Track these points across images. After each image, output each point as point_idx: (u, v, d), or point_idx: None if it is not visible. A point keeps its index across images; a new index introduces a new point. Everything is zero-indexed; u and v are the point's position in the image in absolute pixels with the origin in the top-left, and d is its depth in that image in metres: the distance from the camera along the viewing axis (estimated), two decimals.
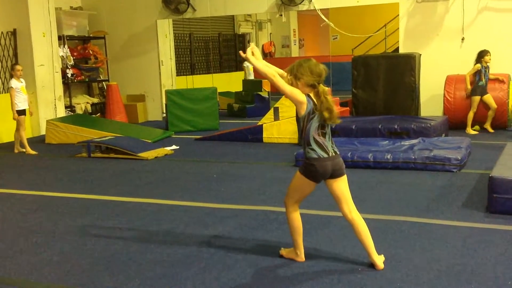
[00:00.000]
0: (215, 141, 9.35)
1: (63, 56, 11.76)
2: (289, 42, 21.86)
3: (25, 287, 3.75)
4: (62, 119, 10.30)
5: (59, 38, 11.59)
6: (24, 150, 8.97)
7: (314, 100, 3.69)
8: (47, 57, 11.05)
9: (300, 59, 3.84)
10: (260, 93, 12.94)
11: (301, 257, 3.97)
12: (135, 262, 4.10)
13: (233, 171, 7.07)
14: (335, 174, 3.80)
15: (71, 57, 12.07)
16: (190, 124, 10.76)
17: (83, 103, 12.61)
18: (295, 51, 22.12)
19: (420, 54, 9.95)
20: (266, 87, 13.06)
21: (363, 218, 4.89)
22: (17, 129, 9.00)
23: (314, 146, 3.73)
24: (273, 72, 3.72)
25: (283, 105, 9.27)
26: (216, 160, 7.80)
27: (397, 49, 11.86)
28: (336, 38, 18.75)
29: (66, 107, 11.79)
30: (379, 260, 3.81)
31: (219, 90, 12.28)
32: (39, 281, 3.82)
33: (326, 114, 3.67)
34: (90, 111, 12.67)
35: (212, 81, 13.95)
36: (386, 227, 4.64)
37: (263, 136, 9.11)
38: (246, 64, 15.09)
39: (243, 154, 8.21)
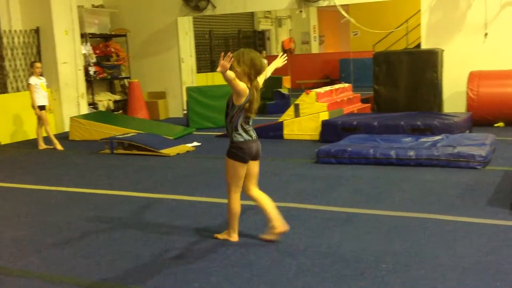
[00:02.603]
0: None
1: (85, 54, 11.89)
2: (309, 39, 21.78)
3: (52, 281, 3.81)
4: (85, 116, 10.41)
5: (82, 36, 11.71)
6: (51, 146, 9.08)
7: (251, 92, 4.03)
8: (70, 55, 11.18)
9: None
10: (280, 90, 12.92)
11: (234, 237, 4.34)
12: (159, 256, 4.13)
13: None
14: (256, 156, 4.26)
15: (93, 55, 12.20)
16: (211, 121, 10.79)
17: (105, 100, 12.74)
18: (315, 48, 22.05)
19: (443, 50, 9.84)
20: (286, 83, 13.05)
21: (386, 215, 4.90)
22: (39, 125, 9.12)
23: (241, 131, 4.13)
24: (233, 74, 3.90)
25: (304, 101, 9.25)
26: None
27: (419, 45, 11.74)
28: (357, 34, 18.63)
29: (89, 104, 11.92)
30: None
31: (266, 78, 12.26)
32: (66, 275, 3.88)
33: (246, 105, 4.05)
34: (112, 108, 12.79)
35: None
36: (409, 225, 4.61)
37: (284, 132, 9.09)
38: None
39: (264, 150, 8.08)
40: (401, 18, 16.48)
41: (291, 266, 3.83)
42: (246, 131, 4.15)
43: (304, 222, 4.79)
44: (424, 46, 10.54)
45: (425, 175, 6.23)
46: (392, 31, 15.46)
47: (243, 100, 4.03)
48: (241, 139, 4.13)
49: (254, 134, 4.21)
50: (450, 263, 3.78)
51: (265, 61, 4.11)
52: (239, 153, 4.14)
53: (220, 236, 4.42)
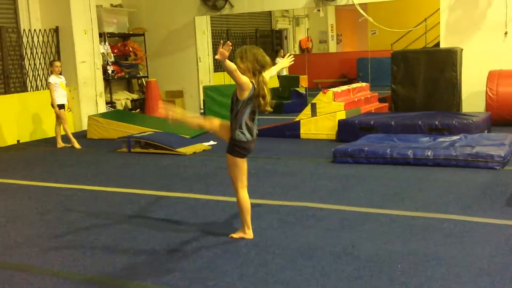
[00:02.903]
0: None
1: (103, 53, 11.98)
2: (327, 38, 21.69)
3: (68, 278, 3.84)
4: (103, 115, 10.49)
5: (100, 35, 11.80)
6: (69, 145, 9.18)
7: (255, 87, 4.07)
8: (88, 54, 11.27)
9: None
10: (297, 89, 12.89)
11: (249, 234, 4.36)
12: (174, 254, 4.15)
13: (270, 167, 7.07)
14: (249, 154, 4.30)
15: (112, 54, 12.29)
16: (228, 120, 10.78)
17: (123, 99, 12.83)
18: (332, 47, 21.95)
19: (462, 49, 9.73)
20: (303, 83, 13.01)
21: (402, 215, 4.86)
22: (58, 124, 9.22)
23: (244, 129, 4.16)
24: (234, 66, 3.94)
25: (321, 101, 9.23)
26: (253, 156, 7.73)
27: (437, 44, 11.63)
28: (375, 33, 18.51)
29: (106, 103, 12.02)
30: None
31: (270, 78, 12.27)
32: (83, 273, 3.91)
33: (261, 101, 4.08)
34: (130, 107, 12.87)
35: None
36: (427, 225, 4.57)
37: (301, 132, 9.07)
38: (278, 60, 15.07)
39: (280, 150, 8.21)
40: (419, 17, 16.33)
41: (306, 266, 3.82)
42: (249, 130, 4.19)
43: (320, 221, 4.78)
44: (443, 45, 10.44)
45: (442, 175, 6.17)
46: (411, 30, 15.33)
47: (246, 94, 4.06)
48: (244, 139, 4.18)
49: (256, 132, 4.27)
50: (467, 264, 3.74)
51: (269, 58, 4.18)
52: (241, 151, 4.21)
53: (236, 235, 4.43)
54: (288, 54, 4.86)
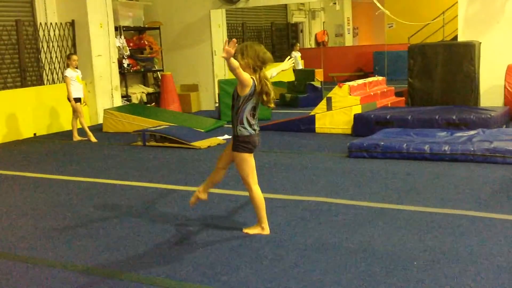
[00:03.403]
0: (267, 131, 9.31)
1: (119, 47, 12.01)
2: (343, 31, 21.54)
3: (82, 271, 3.85)
4: (119, 108, 10.52)
5: (116, 28, 11.83)
6: (85, 138, 9.23)
7: (256, 84, 4.08)
8: (104, 47, 11.30)
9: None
10: (312, 82, 12.82)
11: (267, 229, 4.35)
12: (188, 249, 4.14)
13: (285, 161, 7.04)
14: (256, 150, 4.29)
15: (127, 48, 12.31)
16: None
17: (138, 92, 12.86)
18: (349, 40, 21.80)
19: (480, 43, 9.59)
20: (319, 76, 12.93)
21: (418, 211, 4.80)
22: (74, 117, 9.28)
23: (246, 124, 4.16)
24: (237, 63, 3.93)
25: (336, 95, 9.15)
26: (268, 150, 7.79)
27: (455, 37, 11.49)
28: (392, 26, 18.34)
29: (122, 97, 12.05)
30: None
31: (271, 80, 12.23)
32: (97, 267, 3.92)
33: (264, 97, 4.11)
34: (145, 101, 12.90)
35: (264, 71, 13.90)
36: (444, 221, 4.50)
37: (316, 126, 9.01)
38: (293, 54, 15.00)
39: (295, 144, 8.16)
40: (437, 10, 16.15)
41: (320, 262, 3.79)
42: (250, 125, 4.19)
43: (334, 217, 4.74)
44: (460, 38, 10.29)
45: (460, 171, 6.09)
46: (428, 23, 15.17)
47: (247, 90, 4.09)
48: (246, 133, 4.18)
49: (257, 128, 4.27)
50: (484, 261, 3.68)
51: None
52: (247, 146, 4.21)
53: (251, 231, 4.39)
54: (289, 57, 4.83)
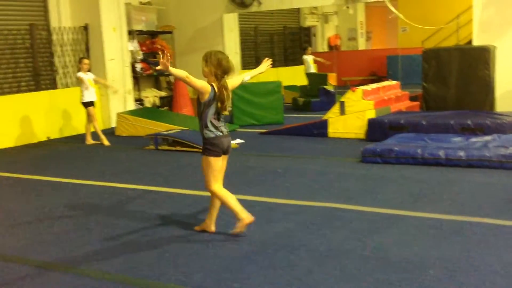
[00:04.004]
0: (280, 135, 9.29)
1: (132, 51, 12.04)
2: (356, 35, 21.47)
3: (93, 276, 3.83)
4: (131, 112, 10.55)
5: (129, 32, 11.87)
6: (98, 142, 9.25)
7: (216, 90, 4.28)
8: (118, 51, 11.34)
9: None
10: (325, 87, 12.75)
11: (248, 217, 4.40)
12: (199, 255, 4.11)
13: (297, 166, 6.99)
14: (227, 151, 4.46)
15: (140, 52, 12.34)
16: (255, 118, 10.76)
17: (151, 96, 12.88)
18: (362, 44, 21.72)
19: (495, 47, 9.48)
20: (332, 81, 12.86)
21: (433, 218, 4.73)
22: (88, 121, 9.31)
23: (211, 127, 4.34)
24: (185, 73, 4.17)
25: (350, 99, 9.08)
26: (280, 155, 7.75)
27: (470, 42, 11.37)
28: (405, 30, 18.23)
29: (135, 101, 12.08)
30: (213, 226, 4.54)
31: (284, 84, 12.19)
32: (108, 271, 3.90)
33: (218, 104, 4.31)
34: (158, 105, 12.92)
35: (277, 75, 13.88)
36: (459, 229, 4.43)
37: (328, 131, 8.96)
38: (305, 56, 14.96)
39: (308, 148, 8.11)
40: (451, 14, 16.01)
41: (333, 269, 3.74)
42: (216, 127, 4.36)
43: (348, 223, 4.68)
44: (475, 42, 10.19)
45: (475, 177, 6.00)
46: (442, 27, 15.05)
47: (206, 97, 4.27)
48: (212, 135, 4.35)
49: (225, 130, 4.43)
50: (500, 270, 3.61)
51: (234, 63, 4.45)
52: (213, 149, 4.35)
53: (238, 229, 4.44)
54: (266, 58, 4.91)
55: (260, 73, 4.87)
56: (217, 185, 4.46)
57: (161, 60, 4.07)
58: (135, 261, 4.06)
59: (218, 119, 4.39)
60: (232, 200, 4.45)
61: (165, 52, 4.15)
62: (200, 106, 4.35)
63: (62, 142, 9.83)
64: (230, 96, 4.41)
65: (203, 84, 4.27)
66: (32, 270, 3.99)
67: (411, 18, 11.90)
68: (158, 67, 4.10)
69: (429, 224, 4.57)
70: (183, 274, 3.78)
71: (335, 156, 7.54)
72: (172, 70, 4.13)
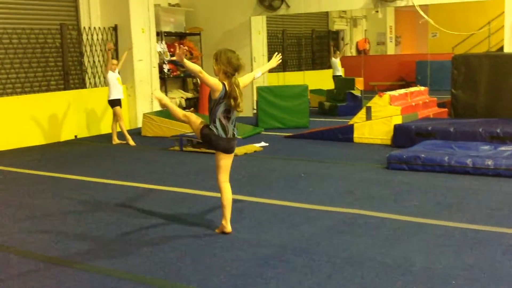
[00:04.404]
0: (304, 139, 9.24)
1: (160, 52, 12.13)
2: (385, 39, 21.26)
3: (112, 275, 3.85)
4: (158, 113, 10.61)
5: (157, 34, 11.96)
6: (123, 142, 9.33)
7: (227, 88, 4.35)
8: (146, 52, 11.44)
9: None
10: (352, 91, 12.66)
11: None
12: (220, 258, 4.10)
13: (321, 171, 6.94)
14: (227, 151, 4.53)
15: (168, 53, 12.42)
16: (280, 121, 10.72)
17: (178, 97, 12.96)
18: (391, 49, 21.50)
19: None
20: (359, 85, 12.75)
21: (459, 227, 4.64)
22: (114, 121, 9.40)
23: (218, 125, 4.43)
24: (199, 68, 4.31)
25: (376, 104, 8.99)
26: (304, 159, 7.70)
27: (501, 48, 11.15)
28: (436, 35, 17.98)
29: None
30: (228, 226, 4.57)
31: (310, 88, 12.14)
32: (129, 271, 3.91)
33: (232, 102, 4.37)
34: (184, 106, 12.98)
35: (303, 78, 13.83)
36: (484, 239, 4.33)
37: (354, 136, 8.87)
38: (333, 59, 14.87)
39: (333, 153, 8.05)
40: (483, 20, 15.73)
41: (354, 276, 3.69)
42: (223, 126, 4.45)
43: (371, 230, 4.62)
44: (507, 49, 9.98)
45: (503, 186, 5.87)
46: (473, 33, 14.80)
47: (217, 94, 4.36)
48: (215, 132, 4.45)
49: (231, 131, 4.49)
50: None
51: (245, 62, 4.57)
52: (207, 137, 4.48)
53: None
54: (276, 53, 5.02)
55: (270, 68, 4.97)
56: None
57: (177, 51, 4.21)
58: (155, 262, 4.07)
59: (229, 119, 4.45)
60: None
61: (181, 45, 4.27)
62: (211, 103, 4.44)
63: (89, 141, 9.95)
64: (242, 94, 4.46)
65: (215, 82, 4.36)
66: (51, 267, 4.03)
67: (441, 23, 11.72)
68: (173, 58, 4.25)
69: (453, 234, 4.47)
70: (203, 276, 3.77)
71: (360, 161, 7.46)
72: (187, 62, 4.24)
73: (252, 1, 12.34)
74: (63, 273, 3.92)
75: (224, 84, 4.37)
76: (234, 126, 4.53)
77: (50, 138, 9.77)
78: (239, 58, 4.41)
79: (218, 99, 4.38)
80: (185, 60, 4.22)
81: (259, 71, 4.86)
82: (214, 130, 4.44)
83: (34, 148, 9.27)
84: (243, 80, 4.60)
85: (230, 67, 4.36)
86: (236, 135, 4.56)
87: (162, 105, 4.64)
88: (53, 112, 9.86)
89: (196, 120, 4.58)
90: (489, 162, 6.33)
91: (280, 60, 4.99)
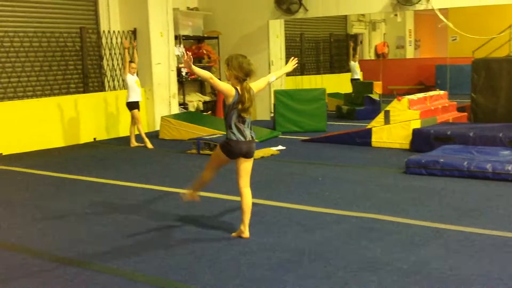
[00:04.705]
0: (322, 143, 9.21)
1: (178, 55, 12.19)
2: (404, 43, 21.14)
3: (128, 277, 3.87)
4: (175, 116, 10.66)
5: (175, 37, 12.02)
6: (141, 144, 9.39)
7: (240, 93, 4.40)
8: (164, 56, 11.50)
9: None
10: (370, 95, 12.59)
11: (197, 197, 5.03)
12: (236, 262, 4.09)
13: (338, 175, 6.90)
14: (247, 155, 4.54)
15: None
16: (297, 124, 10.70)
17: (195, 101, 13.00)
18: (410, 52, 21.37)
19: None
20: (377, 89, 12.68)
21: (478, 233, 4.58)
22: (132, 124, 9.47)
23: (235, 130, 4.47)
24: (209, 74, 4.41)
25: (395, 108, 8.93)
26: (321, 163, 7.67)
27: None
28: (455, 39, 17.83)
29: (179, 105, 12.22)
30: (246, 231, 4.56)
31: (328, 91, 12.10)
32: (145, 274, 3.92)
33: (240, 106, 4.40)
34: (202, 109, 13.02)
35: (321, 82, 13.80)
36: (504, 245, 4.27)
37: (372, 140, 8.81)
38: (352, 62, 14.82)
39: (350, 157, 8.00)
40: (504, 23, 15.56)
41: (370, 282, 3.65)
42: (240, 131, 4.47)
43: (388, 235, 4.57)
44: None
45: None
46: (494, 37, 14.63)
47: (230, 100, 4.41)
48: (233, 138, 4.47)
49: (249, 134, 4.52)
50: None
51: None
52: (227, 148, 4.52)
53: (187, 196, 5.01)
54: (292, 58, 5.02)
55: (286, 72, 4.98)
56: (207, 170, 4.75)
57: (185, 59, 4.21)
58: (171, 264, 4.08)
59: (243, 122, 4.48)
60: (205, 183, 4.84)
61: (188, 52, 4.27)
62: (225, 109, 4.48)
63: (107, 143, 10.03)
64: (254, 99, 4.50)
65: (227, 87, 4.42)
66: (67, 268, 4.06)
67: (461, 27, 11.61)
68: (181, 65, 4.25)
69: (472, 240, 4.41)
70: (219, 280, 3.77)
71: (378, 166, 7.41)
72: (196, 69, 4.27)
73: (270, 5, 12.34)
74: (79, 274, 3.94)
75: (237, 89, 4.42)
76: (251, 129, 4.56)
77: (69, 141, 9.87)
78: (251, 63, 4.46)
79: (232, 104, 4.42)
80: (194, 67, 4.24)
81: (274, 75, 4.86)
82: (232, 136, 4.47)
83: (54, 150, 9.37)
84: (257, 84, 4.63)
85: (242, 72, 4.40)
86: (254, 138, 4.59)
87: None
88: (72, 115, 9.96)
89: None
90: (509, 167, 6.24)
91: (296, 65, 5.00)
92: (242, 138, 4.47)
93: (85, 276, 3.91)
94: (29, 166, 7.96)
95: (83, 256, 4.32)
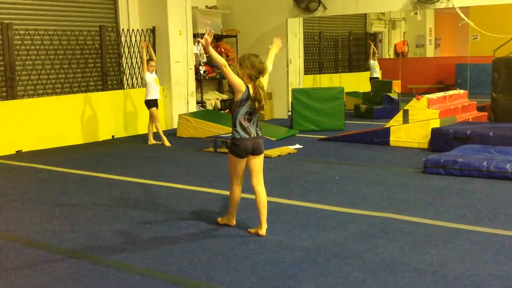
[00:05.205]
0: (339, 142, 9.17)
1: (196, 54, 12.22)
2: (424, 42, 20.91)
3: (145, 274, 3.88)
4: (193, 114, 10.69)
5: (194, 36, 12.05)
6: (159, 142, 9.44)
7: (250, 91, 4.44)
8: (182, 54, 11.55)
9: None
10: (389, 94, 12.49)
11: (233, 222, 4.84)
12: (252, 259, 4.09)
13: (356, 174, 6.86)
14: (255, 152, 4.57)
15: (204, 55, 12.50)
16: (315, 123, 10.66)
17: (213, 99, 13.03)
18: (430, 51, 21.13)
19: None
20: (396, 88, 12.58)
21: (496, 234, 4.51)
22: (150, 122, 9.52)
23: (239, 128, 4.50)
24: (224, 61, 4.38)
25: (414, 107, 8.85)
26: (339, 162, 7.63)
27: None
28: (476, 38, 17.58)
29: (197, 103, 12.25)
30: (263, 229, 4.58)
31: (346, 90, 12.04)
32: (161, 271, 3.94)
33: (256, 104, 4.44)
34: (220, 107, 13.05)
35: (339, 81, 13.73)
36: None
37: (390, 139, 8.74)
38: (372, 61, 14.71)
39: (368, 157, 7.95)
40: None
41: (386, 282, 3.62)
42: (243, 128, 4.50)
43: (405, 235, 4.53)
44: None
45: None
46: None
47: (239, 96, 4.46)
48: (237, 136, 4.51)
49: (254, 132, 4.54)
50: None
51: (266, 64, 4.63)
52: (235, 149, 4.53)
53: (221, 221, 4.89)
54: (275, 38, 5.06)
55: (275, 54, 4.93)
56: (235, 187, 4.70)
57: (205, 35, 4.29)
58: (187, 261, 4.09)
59: (249, 120, 4.51)
60: (235, 203, 4.77)
61: (210, 31, 4.36)
62: (233, 105, 4.54)
63: (125, 141, 10.10)
64: (267, 96, 4.55)
65: (239, 81, 4.45)
66: (82, 264, 4.09)
67: (482, 25, 11.46)
68: (200, 39, 4.32)
69: (491, 241, 4.36)
70: (234, 277, 3.77)
71: (396, 165, 7.35)
72: (212, 51, 4.34)
73: (289, 3, 12.31)
74: (94, 271, 3.97)
75: (247, 87, 4.46)
76: (257, 127, 4.58)
77: (88, 138, 9.96)
78: (262, 61, 4.51)
79: (240, 101, 4.46)
80: (211, 48, 4.31)
81: (269, 64, 4.81)
82: (236, 134, 4.50)
83: (73, 147, 9.47)
84: (265, 81, 4.62)
85: (254, 70, 4.44)
86: (260, 135, 4.60)
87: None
88: (91, 112, 10.05)
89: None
90: None
91: (281, 44, 5.03)
92: (246, 135, 4.50)
93: (101, 272, 3.94)
94: (48, 163, 8.05)
95: (99, 252, 4.35)
